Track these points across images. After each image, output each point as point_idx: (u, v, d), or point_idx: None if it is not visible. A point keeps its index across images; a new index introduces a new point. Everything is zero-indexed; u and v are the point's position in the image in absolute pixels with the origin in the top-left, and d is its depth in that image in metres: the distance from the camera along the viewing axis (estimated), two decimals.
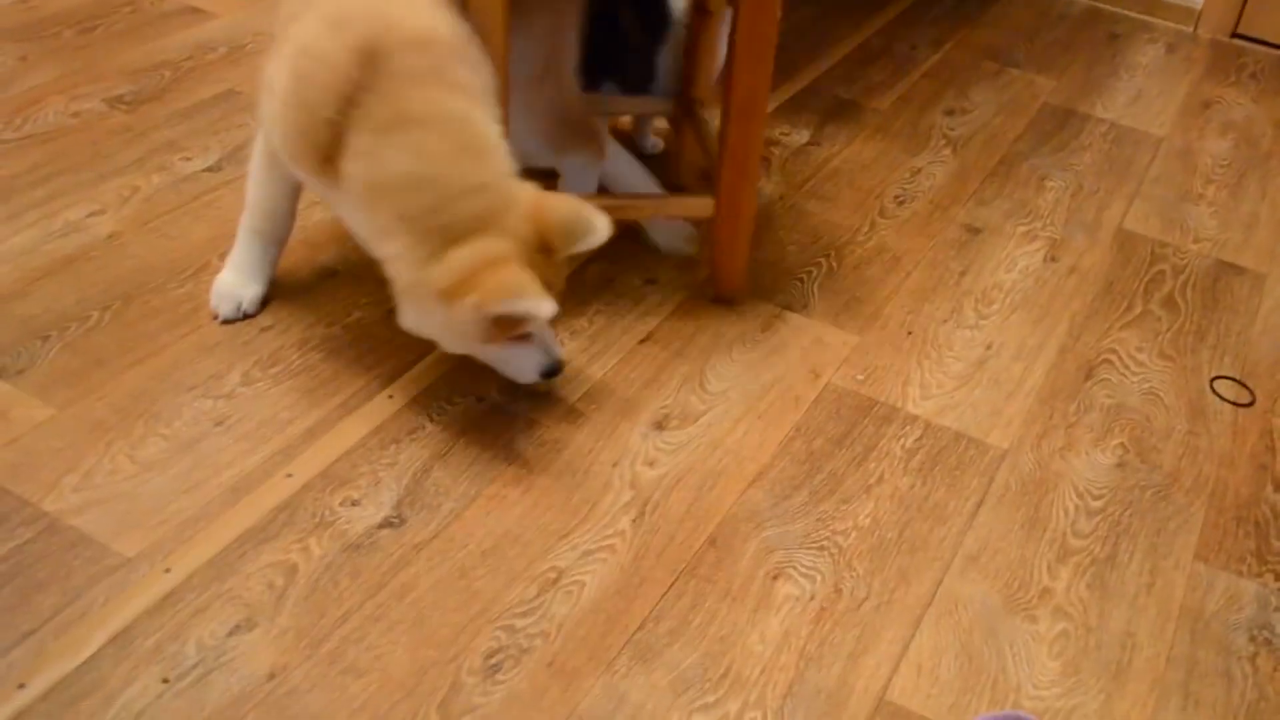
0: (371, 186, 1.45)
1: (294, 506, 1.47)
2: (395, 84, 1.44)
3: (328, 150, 1.46)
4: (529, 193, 1.50)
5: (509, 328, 1.50)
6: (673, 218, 1.98)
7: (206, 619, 1.32)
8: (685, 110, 2.07)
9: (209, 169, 2.05)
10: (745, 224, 1.85)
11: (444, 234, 1.44)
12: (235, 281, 1.74)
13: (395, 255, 1.47)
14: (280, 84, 1.49)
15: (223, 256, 1.82)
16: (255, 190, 1.70)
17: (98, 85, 2.25)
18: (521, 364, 1.58)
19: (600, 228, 1.51)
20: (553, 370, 1.59)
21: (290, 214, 1.73)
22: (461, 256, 1.43)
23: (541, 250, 1.49)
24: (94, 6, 2.53)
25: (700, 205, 1.84)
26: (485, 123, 1.49)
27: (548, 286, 1.47)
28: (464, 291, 1.43)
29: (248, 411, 1.59)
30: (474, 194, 1.45)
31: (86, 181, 1.99)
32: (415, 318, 1.53)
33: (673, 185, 2.13)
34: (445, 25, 1.51)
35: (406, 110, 1.43)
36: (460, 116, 1.47)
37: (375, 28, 1.45)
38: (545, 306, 1.43)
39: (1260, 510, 1.66)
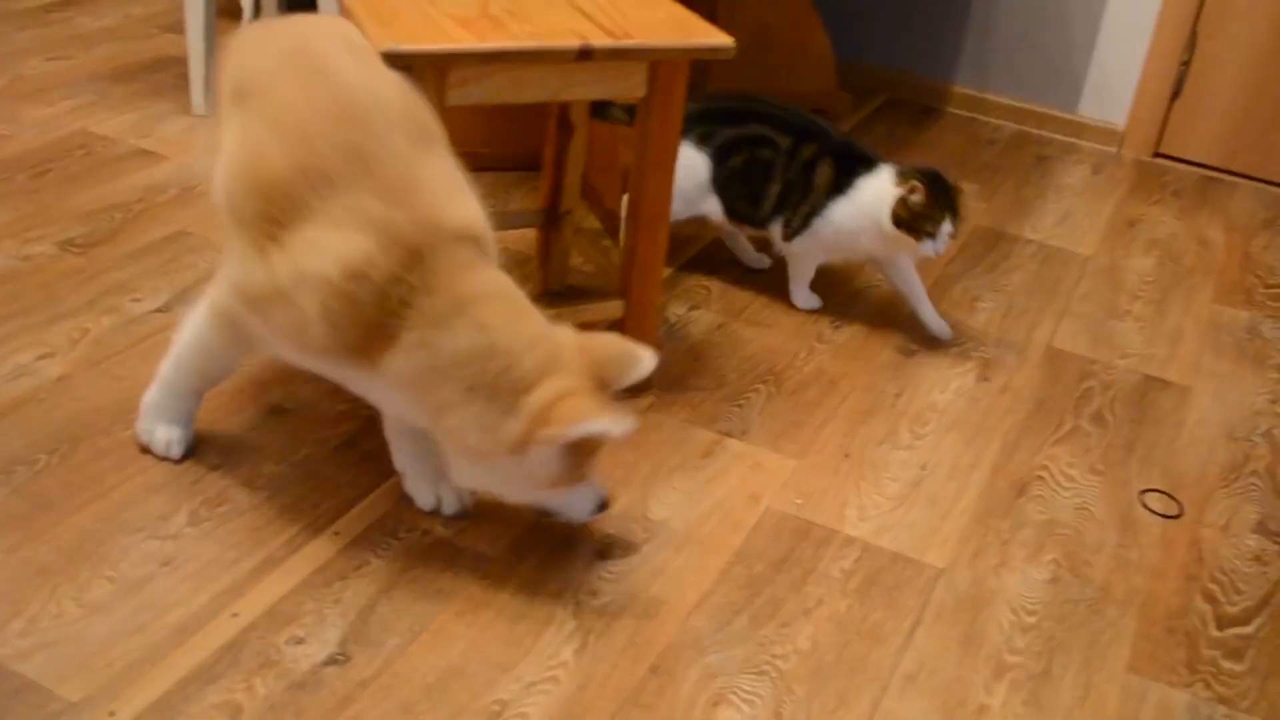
0: (430, 371, 1.47)
1: (239, 646, 1.48)
2: (446, 277, 1.47)
3: (366, 349, 1.48)
4: (571, 336, 1.55)
5: (579, 464, 1.53)
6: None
7: None
8: (551, 221, 2.19)
9: (159, 310, 2.09)
10: (652, 322, 1.99)
11: (515, 390, 1.47)
12: (169, 430, 1.75)
13: (462, 424, 1.49)
14: (309, 305, 1.45)
15: None
16: (203, 359, 1.69)
17: (50, 228, 2.30)
18: (580, 503, 1.62)
19: (645, 359, 1.56)
20: (604, 505, 1.64)
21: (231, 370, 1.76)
22: (535, 401, 1.47)
23: (598, 388, 1.53)
24: (47, 151, 2.59)
25: (609, 308, 1.98)
26: (513, 283, 1.54)
27: None
28: (536, 430, 1.46)
29: (194, 551, 1.61)
30: (535, 346, 1.49)
31: (36, 324, 2.02)
32: (483, 474, 1.55)
33: (543, 292, 2.24)
34: (472, 201, 1.54)
35: (460, 295, 1.47)
36: (504, 284, 1.52)
37: (420, 231, 1.46)
38: (621, 422, 1.47)
39: (1190, 620, 1.71)
